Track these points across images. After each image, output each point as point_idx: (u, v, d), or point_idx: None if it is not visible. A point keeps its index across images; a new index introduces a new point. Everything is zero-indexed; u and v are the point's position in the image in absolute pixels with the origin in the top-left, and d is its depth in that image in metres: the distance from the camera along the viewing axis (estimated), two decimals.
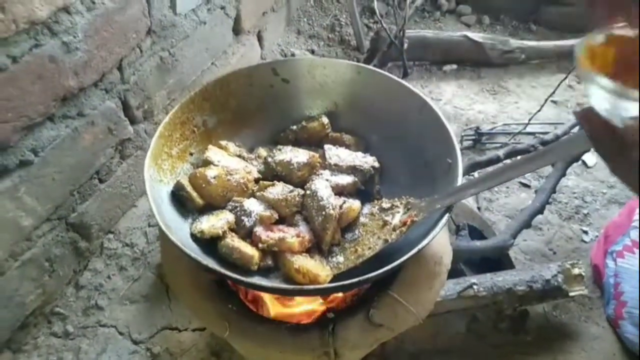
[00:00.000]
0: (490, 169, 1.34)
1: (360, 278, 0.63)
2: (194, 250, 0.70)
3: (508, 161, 1.31)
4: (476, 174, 1.41)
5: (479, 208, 1.46)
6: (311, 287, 0.67)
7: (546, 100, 1.53)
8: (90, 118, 1.09)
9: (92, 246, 1.25)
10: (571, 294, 1.11)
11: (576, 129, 1.41)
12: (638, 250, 1.19)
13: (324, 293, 0.75)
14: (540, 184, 1.43)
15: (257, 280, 0.71)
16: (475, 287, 1.09)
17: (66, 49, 0.97)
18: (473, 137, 1.70)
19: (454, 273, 1.14)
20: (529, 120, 1.58)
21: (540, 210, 1.29)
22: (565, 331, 1.19)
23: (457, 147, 0.76)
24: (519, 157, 0.67)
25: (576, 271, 1.12)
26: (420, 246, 0.64)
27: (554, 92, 1.53)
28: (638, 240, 1.20)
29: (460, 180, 0.72)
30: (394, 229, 0.72)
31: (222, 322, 0.74)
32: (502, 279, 1.12)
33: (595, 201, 1.52)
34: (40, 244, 1.07)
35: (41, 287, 1.10)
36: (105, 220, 1.27)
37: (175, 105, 0.83)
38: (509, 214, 1.47)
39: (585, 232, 1.43)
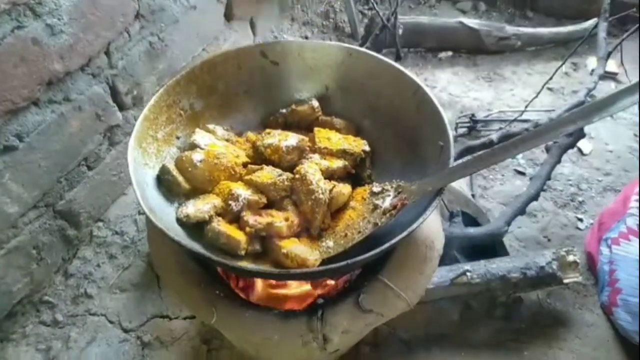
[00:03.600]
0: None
1: (349, 261, 0.61)
2: (179, 235, 0.68)
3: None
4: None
5: (473, 195, 1.44)
6: (298, 270, 0.66)
7: (542, 87, 1.51)
8: (77, 103, 1.07)
9: (81, 234, 1.23)
10: (565, 281, 1.10)
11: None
12: (636, 238, 1.17)
13: (311, 277, 0.74)
14: (535, 171, 1.41)
15: (242, 264, 0.69)
16: (468, 274, 1.08)
17: (50, 32, 0.94)
18: (468, 125, 1.68)
19: (447, 260, 1.13)
20: (525, 107, 1.56)
21: (535, 198, 1.28)
22: (559, 318, 1.18)
23: (449, 129, 0.74)
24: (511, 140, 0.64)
25: (571, 258, 1.11)
26: (410, 229, 0.63)
27: (550, 79, 1.51)
28: (635, 228, 1.19)
29: (452, 163, 0.71)
30: (384, 213, 0.70)
31: (209, 308, 0.72)
32: (496, 266, 1.10)
33: (590, 189, 1.51)
34: (27, 231, 1.05)
35: (29, 276, 1.09)
36: (94, 208, 1.25)
37: (161, 87, 0.81)
38: (504, 201, 1.46)
39: (580, 220, 1.42)
